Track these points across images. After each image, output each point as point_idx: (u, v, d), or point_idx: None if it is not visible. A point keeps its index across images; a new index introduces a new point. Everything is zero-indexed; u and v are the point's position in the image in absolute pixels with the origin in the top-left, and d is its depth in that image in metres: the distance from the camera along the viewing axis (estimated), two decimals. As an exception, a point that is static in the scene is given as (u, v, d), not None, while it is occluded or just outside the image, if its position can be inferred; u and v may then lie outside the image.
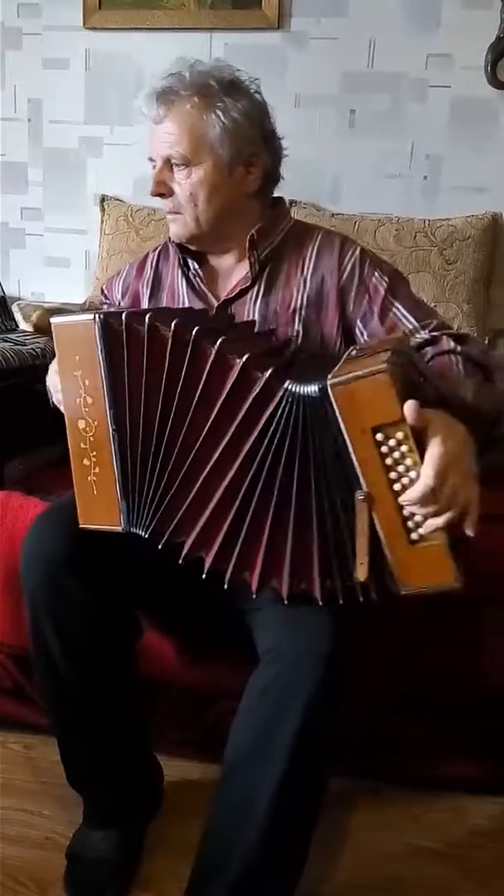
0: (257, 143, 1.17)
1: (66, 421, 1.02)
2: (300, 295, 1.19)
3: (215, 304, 1.22)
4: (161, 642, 1.33)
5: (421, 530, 0.89)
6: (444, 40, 1.98)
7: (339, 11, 2.02)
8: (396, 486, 0.88)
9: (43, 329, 1.96)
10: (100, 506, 1.02)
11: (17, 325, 2.02)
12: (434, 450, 0.87)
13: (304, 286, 1.19)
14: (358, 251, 1.20)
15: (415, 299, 1.20)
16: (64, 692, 1.14)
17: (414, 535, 0.90)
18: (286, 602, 0.96)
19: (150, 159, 1.18)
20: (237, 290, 1.21)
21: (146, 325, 0.96)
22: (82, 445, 1.01)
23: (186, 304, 1.24)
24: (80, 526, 1.04)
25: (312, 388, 0.89)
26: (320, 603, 0.95)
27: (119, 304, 1.32)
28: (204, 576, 0.98)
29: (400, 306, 1.16)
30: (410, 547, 0.90)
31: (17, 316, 2.03)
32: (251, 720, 1.01)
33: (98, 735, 1.18)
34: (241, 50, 2.07)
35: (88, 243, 2.27)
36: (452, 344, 1.12)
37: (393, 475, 0.88)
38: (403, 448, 0.87)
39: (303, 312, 1.18)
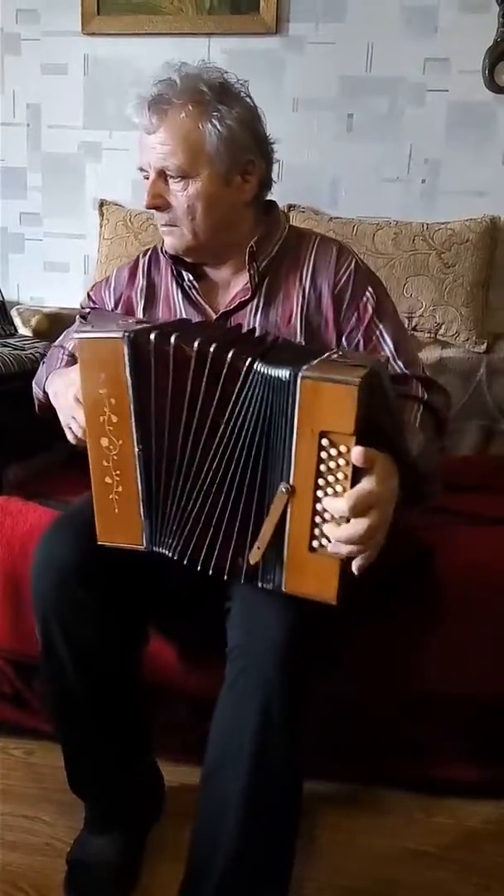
0: (252, 150, 1.15)
1: (88, 438, 1.02)
2: (300, 306, 1.19)
3: (213, 316, 1.22)
4: (163, 648, 1.32)
5: (323, 541, 0.91)
6: (442, 44, 1.99)
7: (337, 16, 2.02)
8: (319, 493, 0.90)
9: (42, 334, 1.97)
10: (121, 524, 1.02)
11: (16, 330, 2.03)
12: (366, 484, 0.88)
13: (303, 296, 1.19)
14: (353, 264, 1.20)
15: (397, 322, 1.22)
16: (71, 699, 1.14)
17: (315, 543, 0.92)
18: (242, 581, 0.97)
19: (142, 169, 1.16)
20: (237, 303, 1.20)
21: (172, 345, 0.95)
22: (104, 463, 1.01)
23: (183, 316, 1.23)
24: (99, 542, 1.04)
25: (283, 373, 0.89)
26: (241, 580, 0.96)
27: (112, 312, 1.31)
28: (199, 568, 0.99)
29: (384, 330, 1.18)
30: (308, 553, 0.92)
31: (17, 321, 2.04)
32: (220, 719, 1.02)
33: (102, 740, 1.18)
34: (240, 55, 2.07)
35: (88, 248, 2.27)
36: (421, 391, 1.14)
37: (321, 482, 0.89)
38: (341, 461, 0.88)
39: (303, 323, 1.19)
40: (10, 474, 1.66)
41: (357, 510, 0.87)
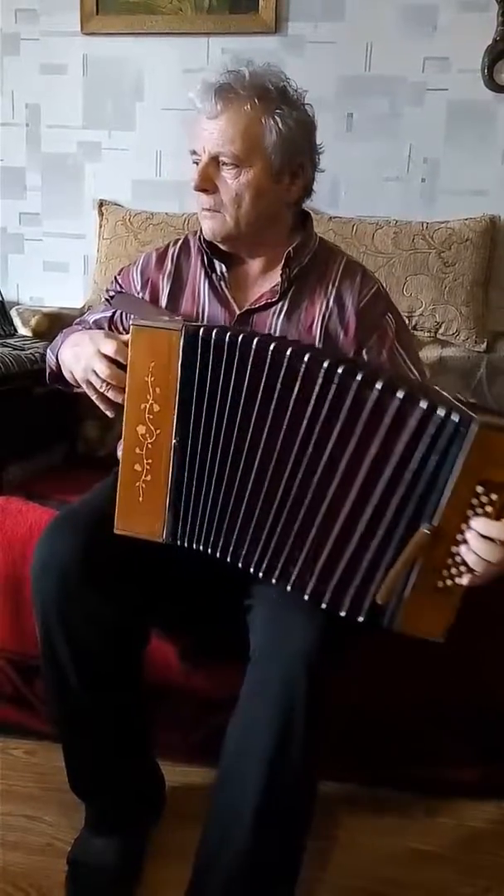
0: (304, 154, 1.18)
1: (125, 422, 1.01)
2: (322, 315, 1.21)
3: (237, 311, 1.22)
4: (164, 649, 1.32)
5: (449, 582, 0.91)
6: (442, 43, 1.98)
7: (336, 15, 2.02)
8: (459, 536, 0.89)
9: (42, 334, 1.96)
10: (143, 514, 1.02)
11: (15, 330, 2.02)
12: None
13: (327, 306, 1.21)
14: (377, 287, 1.24)
15: (413, 346, 1.26)
16: (72, 700, 1.14)
17: (440, 584, 0.91)
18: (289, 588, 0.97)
19: (193, 152, 1.17)
20: (263, 302, 1.21)
21: (238, 343, 0.96)
22: (137, 451, 1.01)
23: (207, 308, 1.24)
24: (115, 531, 1.04)
25: (453, 416, 0.87)
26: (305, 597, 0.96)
27: (138, 294, 1.30)
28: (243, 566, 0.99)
29: (404, 353, 1.21)
30: (432, 592, 0.92)
31: (16, 321, 2.03)
32: (240, 721, 1.02)
33: (103, 742, 1.18)
34: (239, 54, 2.04)
35: (87, 248, 2.27)
36: None
37: (464, 525, 0.89)
38: (489, 509, 0.88)
39: (324, 332, 1.20)
40: (10, 474, 1.66)
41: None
